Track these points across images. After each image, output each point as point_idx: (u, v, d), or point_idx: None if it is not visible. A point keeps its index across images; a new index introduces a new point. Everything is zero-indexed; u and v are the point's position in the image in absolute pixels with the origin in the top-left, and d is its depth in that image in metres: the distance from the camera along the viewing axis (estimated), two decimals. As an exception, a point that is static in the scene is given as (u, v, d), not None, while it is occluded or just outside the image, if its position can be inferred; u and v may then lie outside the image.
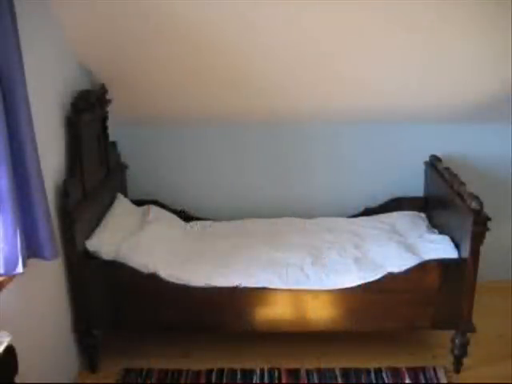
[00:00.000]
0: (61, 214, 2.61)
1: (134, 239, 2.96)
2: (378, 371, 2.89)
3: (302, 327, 2.84)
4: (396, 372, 2.88)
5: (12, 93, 1.99)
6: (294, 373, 2.91)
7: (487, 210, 2.61)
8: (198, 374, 2.91)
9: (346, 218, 3.53)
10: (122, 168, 3.51)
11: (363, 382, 2.83)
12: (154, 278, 2.76)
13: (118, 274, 2.76)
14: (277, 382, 2.85)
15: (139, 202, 3.45)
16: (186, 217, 3.55)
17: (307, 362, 2.97)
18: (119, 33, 2.71)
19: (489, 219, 2.59)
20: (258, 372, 2.91)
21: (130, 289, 2.79)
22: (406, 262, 2.80)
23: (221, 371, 2.92)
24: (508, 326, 3.22)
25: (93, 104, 2.92)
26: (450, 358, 2.89)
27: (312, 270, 2.86)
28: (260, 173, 3.66)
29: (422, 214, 3.41)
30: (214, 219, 3.54)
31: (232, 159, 3.64)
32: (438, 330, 2.99)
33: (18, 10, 2.02)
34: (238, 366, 2.95)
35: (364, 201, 3.59)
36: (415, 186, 3.51)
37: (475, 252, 2.63)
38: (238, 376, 2.89)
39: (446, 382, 2.81)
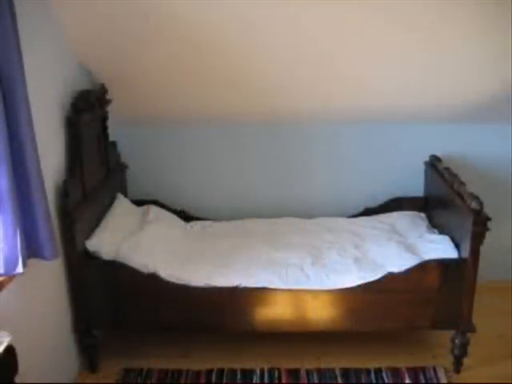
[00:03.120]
0: (61, 214, 2.61)
1: (134, 239, 2.96)
2: (378, 371, 2.89)
3: (301, 327, 2.84)
4: (396, 372, 2.88)
5: (12, 93, 1.99)
6: (293, 373, 2.91)
7: (487, 210, 2.61)
8: (198, 374, 2.91)
9: (346, 218, 3.53)
10: (122, 168, 3.51)
11: (363, 382, 2.83)
12: (154, 278, 2.76)
13: (118, 273, 2.76)
14: (277, 382, 2.85)
15: (139, 202, 3.45)
16: (186, 217, 3.55)
17: (307, 362, 2.97)
18: (119, 33, 2.71)
19: (489, 219, 2.59)
20: (258, 372, 2.91)
21: (130, 289, 2.79)
22: (406, 262, 2.80)
23: (221, 371, 2.92)
24: (508, 326, 3.22)
25: (93, 104, 2.91)
26: (450, 358, 2.89)
27: (312, 270, 2.85)
28: (260, 173, 3.66)
29: (422, 214, 3.41)
30: (214, 219, 3.54)
31: (232, 159, 3.64)
32: (438, 330, 2.99)
33: (18, 10, 2.02)
34: (238, 365, 2.95)
35: (364, 201, 3.59)
36: (415, 186, 3.51)
37: (475, 252, 2.63)
38: (238, 376, 2.89)
39: (445, 382, 2.81)
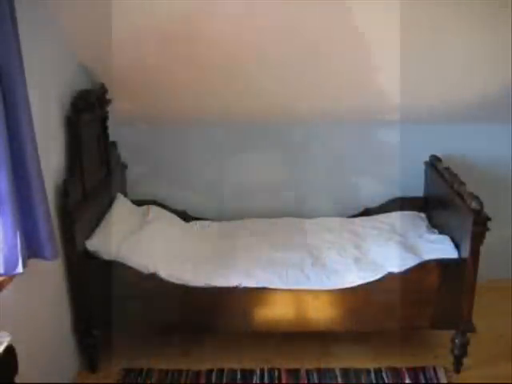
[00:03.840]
0: (61, 214, 2.61)
1: (134, 239, 2.96)
2: (378, 371, 2.89)
3: (302, 327, 2.84)
4: (396, 372, 2.88)
5: (12, 93, 1.99)
6: (293, 373, 2.91)
7: (487, 210, 2.61)
8: (197, 374, 2.91)
9: (346, 218, 3.53)
10: (122, 168, 3.51)
11: (363, 382, 2.83)
12: (153, 278, 2.76)
13: (118, 273, 2.76)
14: (277, 382, 2.85)
15: (139, 202, 3.45)
16: (186, 217, 3.55)
17: (307, 362, 2.97)
18: (119, 33, 2.70)
19: (489, 219, 2.59)
20: (258, 372, 2.91)
21: (130, 289, 2.79)
22: (405, 261, 2.80)
23: (221, 371, 2.92)
24: (508, 326, 3.22)
25: (93, 104, 2.92)
26: (450, 358, 2.89)
27: (312, 270, 2.86)
28: (260, 173, 3.66)
29: (422, 214, 3.40)
30: (214, 219, 3.54)
31: (232, 159, 3.63)
32: (438, 330, 2.99)
33: (19, 10, 2.01)
34: (237, 366, 2.95)
35: (364, 201, 3.59)
36: (415, 186, 3.51)
37: (475, 252, 2.63)
38: (238, 376, 2.89)
39: (445, 382, 2.81)
